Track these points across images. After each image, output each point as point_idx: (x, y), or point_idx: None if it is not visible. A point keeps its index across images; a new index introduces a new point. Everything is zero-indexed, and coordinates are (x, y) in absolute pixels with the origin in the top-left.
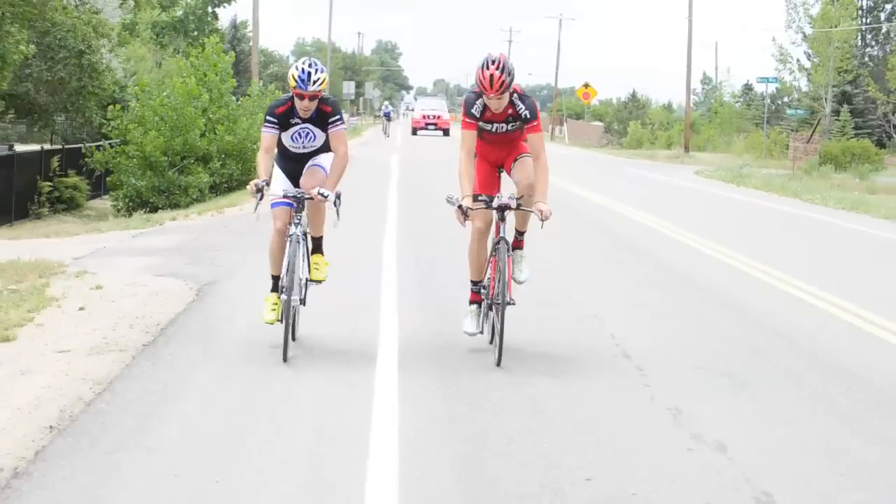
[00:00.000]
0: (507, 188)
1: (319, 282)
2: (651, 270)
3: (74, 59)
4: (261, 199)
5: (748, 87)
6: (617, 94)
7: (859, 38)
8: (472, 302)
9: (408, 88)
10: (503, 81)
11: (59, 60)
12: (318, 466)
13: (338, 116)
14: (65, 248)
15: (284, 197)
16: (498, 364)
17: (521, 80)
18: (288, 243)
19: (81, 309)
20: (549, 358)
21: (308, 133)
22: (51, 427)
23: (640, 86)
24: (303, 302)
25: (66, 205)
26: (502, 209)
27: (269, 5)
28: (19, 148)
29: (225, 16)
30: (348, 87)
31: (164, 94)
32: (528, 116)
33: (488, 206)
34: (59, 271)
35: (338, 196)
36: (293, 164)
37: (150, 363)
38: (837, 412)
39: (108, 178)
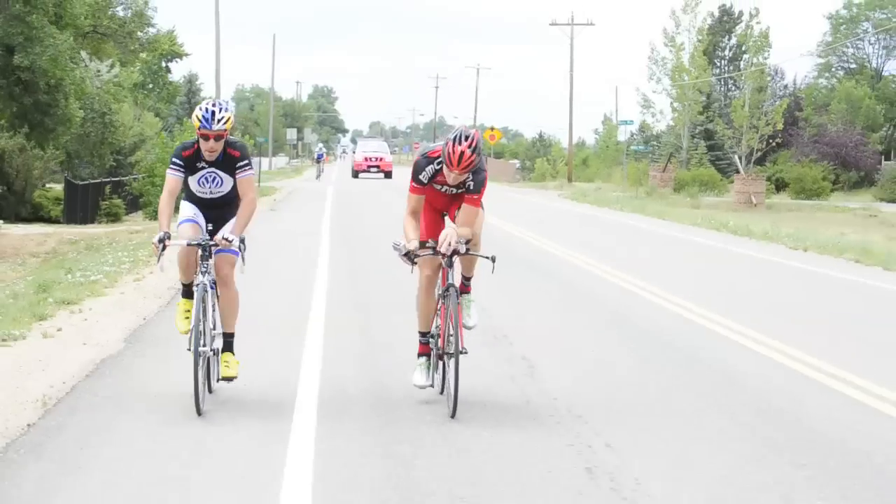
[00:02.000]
0: None
1: (231, 378)
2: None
3: (99, 118)
4: (163, 250)
5: (642, 129)
6: (533, 134)
7: (722, 83)
8: (420, 354)
9: (344, 131)
10: (472, 161)
11: (88, 119)
12: None
13: (246, 161)
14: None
15: (189, 244)
16: (452, 416)
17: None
18: (195, 291)
19: None
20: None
21: (215, 178)
22: None
23: (556, 124)
24: (215, 352)
25: (113, 217)
26: (451, 255)
27: (205, 53)
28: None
29: (177, 70)
30: (291, 134)
31: (177, 143)
32: (472, 188)
33: (435, 251)
34: None
35: (242, 241)
36: (201, 209)
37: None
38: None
39: (140, 199)
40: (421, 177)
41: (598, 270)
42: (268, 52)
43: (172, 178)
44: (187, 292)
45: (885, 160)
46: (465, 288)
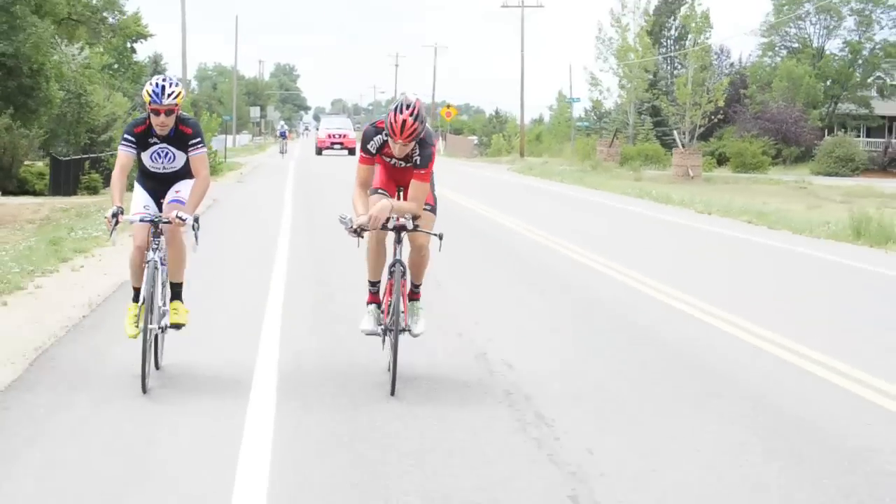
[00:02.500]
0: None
1: (180, 326)
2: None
3: (75, 99)
4: (116, 224)
5: (595, 106)
6: (491, 110)
7: (668, 62)
8: (369, 303)
9: (306, 109)
10: (414, 129)
11: (65, 100)
12: None
13: (198, 139)
14: None
15: (141, 220)
16: (392, 393)
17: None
18: (145, 268)
19: None
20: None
21: (167, 153)
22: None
23: (514, 101)
24: (163, 329)
25: (92, 190)
26: (399, 230)
27: (168, 30)
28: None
29: (142, 51)
30: (254, 112)
31: None
32: (418, 163)
33: (384, 227)
34: None
35: (196, 220)
36: (155, 184)
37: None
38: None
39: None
40: (369, 146)
41: (526, 231)
42: (228, 32)
43: (124, 153)
44: (137, 297)
45: (828, 135)
46: (413, 294)
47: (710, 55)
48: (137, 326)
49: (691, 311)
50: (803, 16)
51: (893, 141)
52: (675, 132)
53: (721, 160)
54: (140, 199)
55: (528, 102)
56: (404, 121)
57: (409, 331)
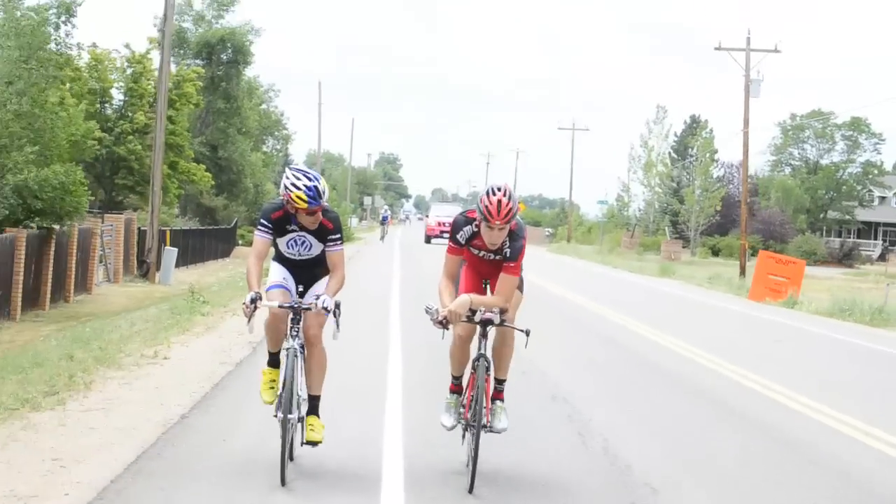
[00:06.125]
0: None
1: (316, 443)
2: None
3: (254, 189)
4: (255, 310)
5: (649, 203)
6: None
7: (689, 174)
8: (452, 392)
9: (407, 197)
10: (510, 209)
11: (251, 189)
12: None
13: (338, 235)
14: None
15: (280, 307)
16: (470, 491)
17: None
18: (285, 356)
19: None
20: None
21: (304, 242)
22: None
23: (582, 198)
24: (300, 420)
25: None
26: (485, 324)
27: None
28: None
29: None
30: (367, 201)
31: None
32: (508, 255)
33: (471, 319)
34: None
35: (337, 306)
36: (291, 268)
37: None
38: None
39: None
40: (458, 237)
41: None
42: (334, 120)
43: (261, 240)
44: (273, 361)
45: (811, 235)
46: (497, 395)
47: (712, 170)
48: (273, 391)
49: (575, 299)
50: (804, 139)
51: (848, 240)
52: (666, 228)
53: (716, 252)
54: (278, 272)
55: (591, 198)
56: (499, 200)
57: (491, 428)
